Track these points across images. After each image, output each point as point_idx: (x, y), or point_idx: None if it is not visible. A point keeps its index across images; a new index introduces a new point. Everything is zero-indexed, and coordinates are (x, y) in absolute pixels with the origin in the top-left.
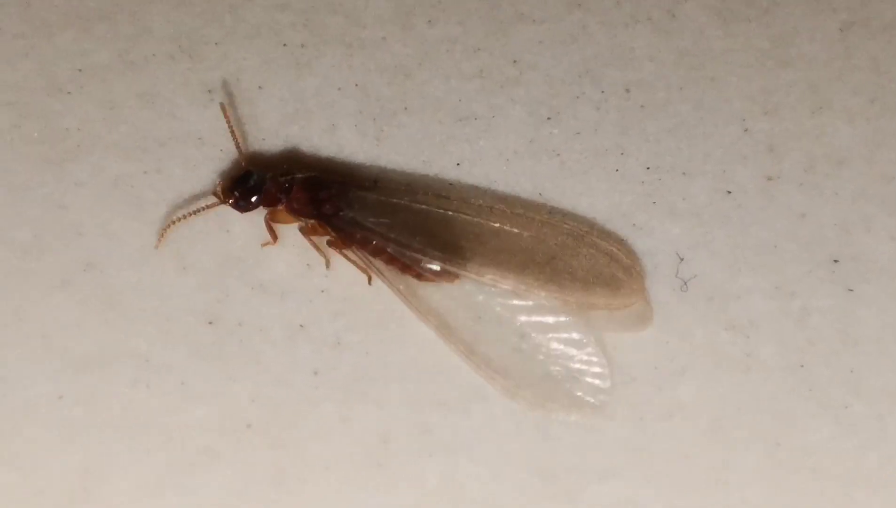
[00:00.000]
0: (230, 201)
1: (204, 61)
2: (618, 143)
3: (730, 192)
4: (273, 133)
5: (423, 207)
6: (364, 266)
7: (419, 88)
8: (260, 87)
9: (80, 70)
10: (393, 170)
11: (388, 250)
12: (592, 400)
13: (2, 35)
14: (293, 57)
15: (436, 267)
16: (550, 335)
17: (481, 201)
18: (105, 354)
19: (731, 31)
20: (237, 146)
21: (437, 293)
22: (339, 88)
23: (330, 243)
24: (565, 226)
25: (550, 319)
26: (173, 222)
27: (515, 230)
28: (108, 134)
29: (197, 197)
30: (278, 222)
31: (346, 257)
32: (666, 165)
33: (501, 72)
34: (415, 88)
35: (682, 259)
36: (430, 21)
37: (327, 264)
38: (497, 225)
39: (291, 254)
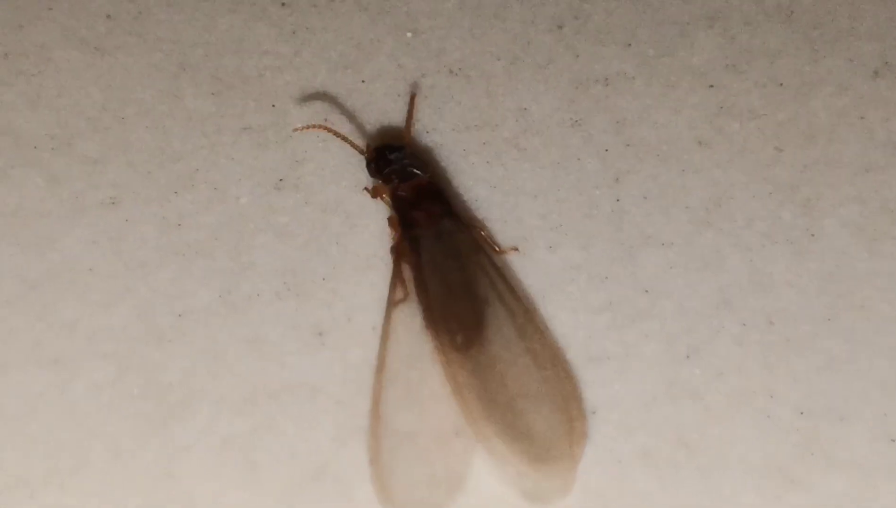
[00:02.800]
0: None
1: (312, 299)
2: (765, 383)
3: (894, 440)
4: (393, 377)
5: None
6: (405, 288)
7: (544, 324)
8: (373, 327)
9: (179, 315)
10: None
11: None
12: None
13: (94, 275)
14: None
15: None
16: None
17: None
18: None
19: (877, 251)
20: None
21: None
22: None
23: (393, 249)
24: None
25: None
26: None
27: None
28: (214, 387)
29: (313, 456)
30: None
31: (398, 267)
32: (820, 408)
33: (632, 303)
34: (539, 323)
35: None
36: (550, 246)
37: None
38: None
39: None
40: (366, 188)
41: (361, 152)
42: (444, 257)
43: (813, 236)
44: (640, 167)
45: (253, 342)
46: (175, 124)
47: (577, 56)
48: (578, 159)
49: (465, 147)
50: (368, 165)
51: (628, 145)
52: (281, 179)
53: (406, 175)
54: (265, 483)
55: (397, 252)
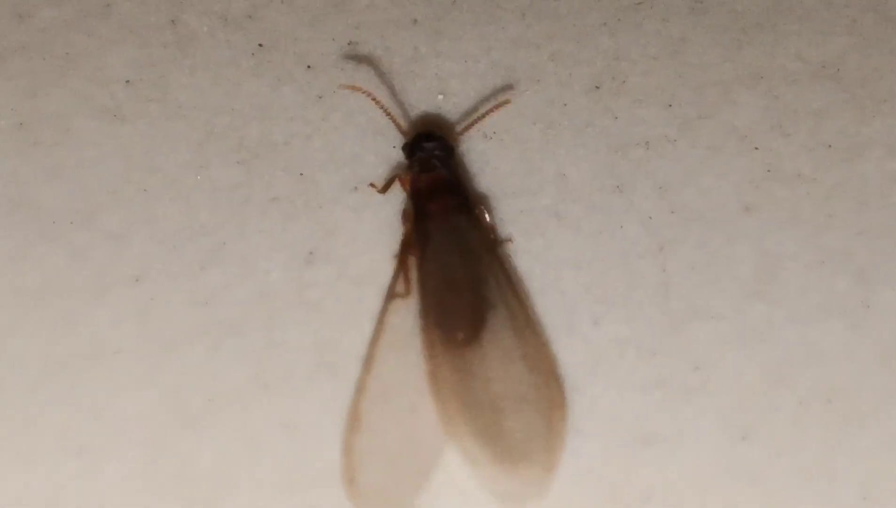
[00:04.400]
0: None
1: (348, 379)
2: (825, 466)
3: None
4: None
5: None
6: (409, 283)
7: (591, 403)
8: (412, 409)
9: (210, 399)
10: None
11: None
12: None
13: (120, 357)
14: None
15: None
16: None
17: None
18: None
19: None
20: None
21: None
22: None
23: (403, 245)
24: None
25: None
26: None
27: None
28: (250, 475)
29: None
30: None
31: (403, 260)
32: (884, 491)
33: (682, 381)
34: (586, 402)
35: None
36: (595, 321)
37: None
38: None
39: None
40: (371, 184)
41: (402, 133)
42: (452, 251)
43: (868, 307)
44: (686, 235)
45: (288, 426)
46: (200, 196)
47: (616, 118)
48: (621, 227)
49: (503, 216)
50: (404, 147)
51: (672, 212)
52: (311, 252)
53: (428, 166)
54: None
55: (405, 245)
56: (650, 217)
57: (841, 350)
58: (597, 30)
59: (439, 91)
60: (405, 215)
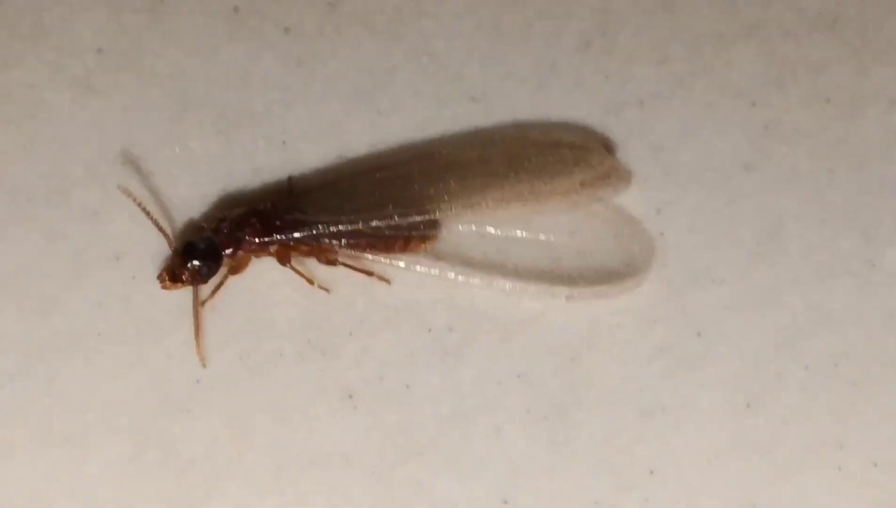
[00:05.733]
0: (197, 273)
1: (339, 358)
2: (834, 433)
3: None
4: (429, 443)
5: (374, 176)
6: (361, 267)
7: (590, 375)
8: (408, 385)
9: (197, 381)
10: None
11: (366, 233)
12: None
13: (103, 341)
14: (440, 344)
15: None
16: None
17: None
18: None
19: None
20: (160, 230)
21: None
22: (499, 382)
23: (312, 255)
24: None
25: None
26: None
27: (471, 157)
28: (239, 461)
29: None
30: (239, 271)
31: (341, 265)
32: (895, 458)
33: (684, 349)
34: (586, 374)
35: None
36: None
37: (311, 282)
38: (449, 160)
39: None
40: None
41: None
42: (332, 204)
43: (874, 266)
44: (684, 197)
45: (277, 409)
46: (180, 169)
47: (608, 77)
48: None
49: None
50: (205, 274)
51: (669, 173)
52: None
53: (234, 226)
54: None
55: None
56: (646, 179)
57: (847, 313)
58: None
59: (424, 53)
60: (283, 258)
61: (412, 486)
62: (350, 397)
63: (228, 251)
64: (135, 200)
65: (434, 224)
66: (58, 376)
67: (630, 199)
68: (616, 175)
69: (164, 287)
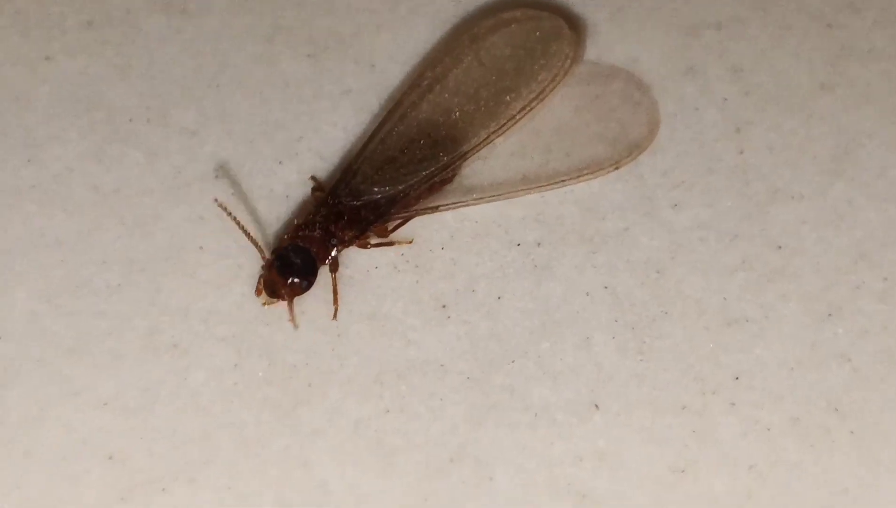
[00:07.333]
0: (297, 287)
1: (432, 271)
2: None
3: None
4: (521, 351)
5: (392, 133)
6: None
7: (676, 286)
8: (499, 297)
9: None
10: None
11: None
12: None
13: (204, 254)
14: (529, 258)
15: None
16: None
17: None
18: None
19: None
20: (254, 244)
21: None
22: (588, 293)
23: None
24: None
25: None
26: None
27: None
28: (340, 368)
29: (447, 437)
30: (338, 268)
31: (371, 246)
32: None
33: (766, 262)
34: (671, 286)
35: None
36: (675, 205)
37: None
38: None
39: None
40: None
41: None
42: (382, 173)
43: None
44: (762, 117)
45: (374, 319)
46: (272, 91)
47: (687, 0)
48: (696, 110)
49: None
50: (304, 286)
51: (747, 93)
52: None
53: (324, 234)
54: (401, 468)
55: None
56: (725, 99)
57: None
58: None
59: None
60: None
61: (507, 391)
62: (443, 306)
63: (328, 261)
64: (229, 213)
65: (457, 147)
66: (162, 288)
67: (711, 120)
68: (568, 42)
69: (264, 303)
